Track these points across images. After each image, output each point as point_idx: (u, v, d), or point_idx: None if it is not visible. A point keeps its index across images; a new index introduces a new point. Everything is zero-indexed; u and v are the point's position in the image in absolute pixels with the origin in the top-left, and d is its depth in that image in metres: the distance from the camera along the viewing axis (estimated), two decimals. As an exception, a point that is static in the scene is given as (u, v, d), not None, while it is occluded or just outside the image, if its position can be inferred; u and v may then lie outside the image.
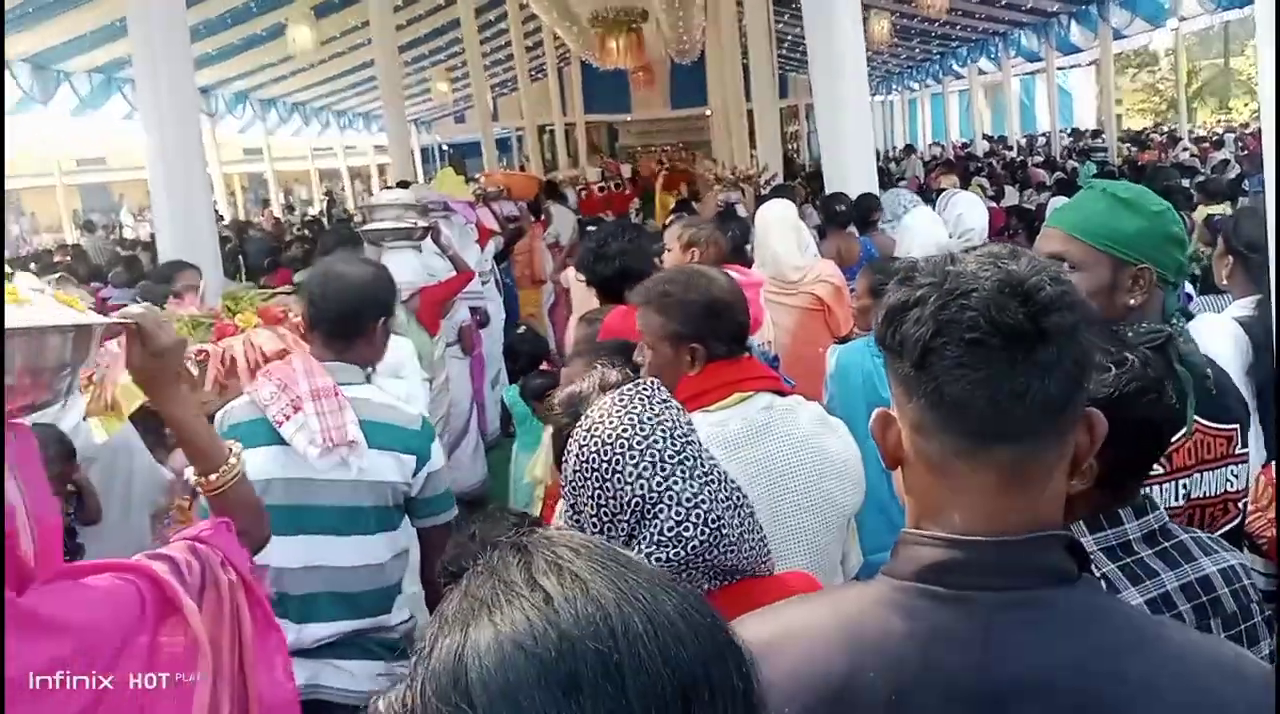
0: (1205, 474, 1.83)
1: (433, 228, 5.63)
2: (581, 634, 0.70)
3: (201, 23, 11.65)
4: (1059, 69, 20.55)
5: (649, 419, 1.45)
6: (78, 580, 1.38)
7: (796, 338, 4.28)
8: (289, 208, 23.11)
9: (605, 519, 1.44)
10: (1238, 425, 1.87)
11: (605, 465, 1.42)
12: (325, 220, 16.01)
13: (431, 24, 17.74)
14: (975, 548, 0.96)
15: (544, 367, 4.96)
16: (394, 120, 10.89)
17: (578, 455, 1.47)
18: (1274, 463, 2.14)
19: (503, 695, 0.68)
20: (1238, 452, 1.86)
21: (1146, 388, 1.46)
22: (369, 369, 2.54)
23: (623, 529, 1.42)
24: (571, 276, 5.14)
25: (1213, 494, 1.83)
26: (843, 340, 3.92)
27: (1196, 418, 1.77)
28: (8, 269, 1.47)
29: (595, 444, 1.44)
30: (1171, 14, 14.51)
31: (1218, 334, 2.40)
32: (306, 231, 14.61)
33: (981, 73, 22.96)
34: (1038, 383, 0.94)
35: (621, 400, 1.48)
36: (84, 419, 2.22)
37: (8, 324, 1.25)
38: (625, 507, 1.41)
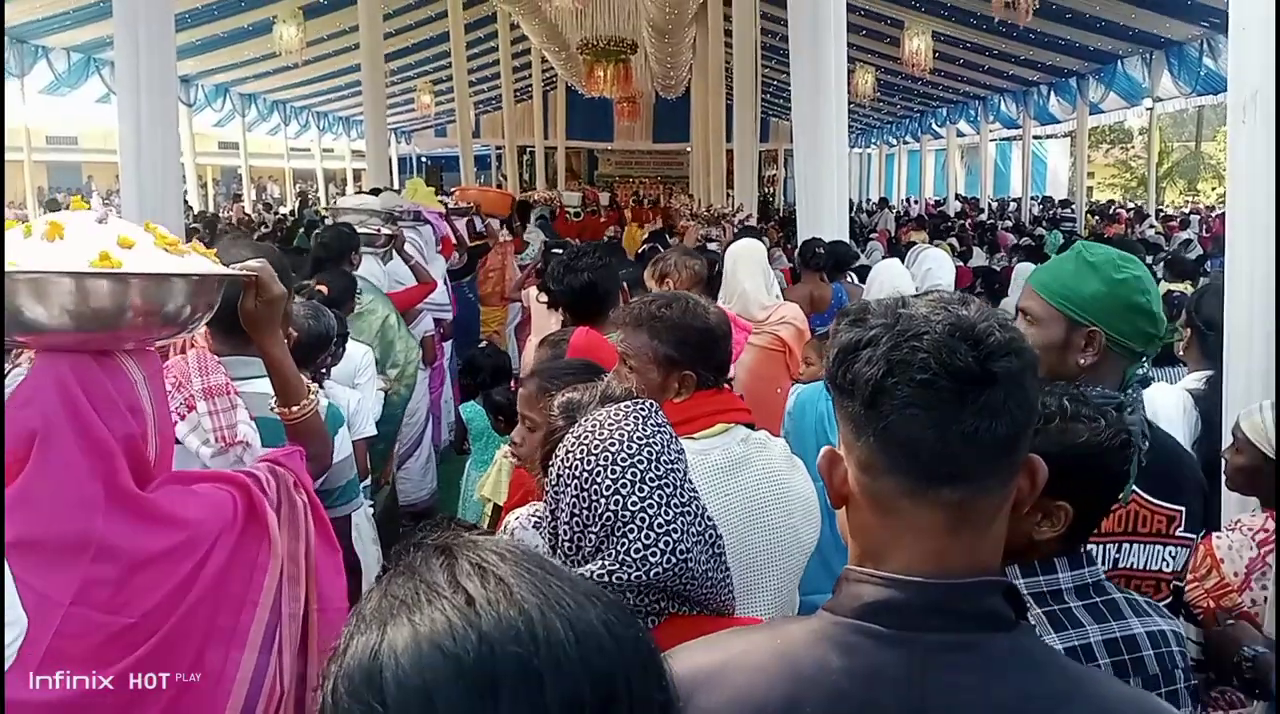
0: (1135, 545, 1.82)
1: (396, 237, 5.61)
2: (502, 637, 0.68)
3: (187, 12, 11.59)
4: (1035, 137, 20.94)
5: (639, 438, 1.46)
6: (187, 486, 1.71)
7: (754, 375, 4.28)
8: (267, 206, 22.85)
9: (577, 529, 1.44)
10: (1183, 509, 1.85)
11: (586, 475, 1.43)
12: (297, 219, 15.85)
13: (420, 35, 17.76)
14: (916, 589, 0.97)
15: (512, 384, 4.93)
16: (374, 127, 10.86)
17: (563, 460, 1.47)
18: (1213, 535, 2.17)
19: (417, 695, 0.67)
20: (1178, 534, 1.84)
21: (1131, 443, 1.51)
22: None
23: (591, 541, 1.42)
24: (533, 296, 5.13)
25: (1142, 567, 1.82)
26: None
27: (1135, 489, 1.78)
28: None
29: (580, 452, 1.45)
30: (1148, 94, 14.83)
31: (1169, 402, 2.45)
32: (277, 231, 14.52)
33: (960, 134, 23.30)
34: (985, 425, 0.95)
35: (617, 415, 1.49)
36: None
37: (158, 268, 1.58)
38: (597, 519, 1.41)
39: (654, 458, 1.45)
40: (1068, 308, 1.90)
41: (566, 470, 1.46)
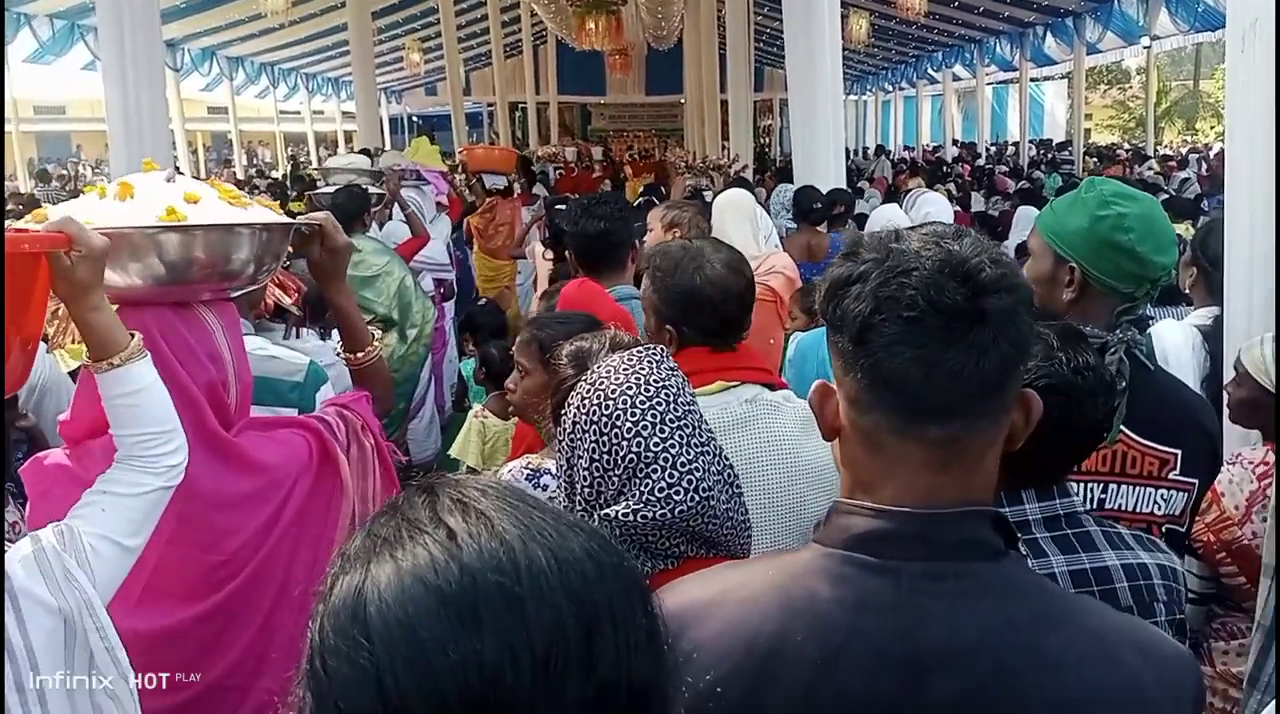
0: (1124, 486, 1.81)
1: (387, 198, 5.60)
2: (483, 568, 0.69)
3: (172, -26, 11.44)
4: (1032, 80, 20.74)
5: (654, 381, 1.47)
6: (266, 431, 1.83)
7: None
8: (260, 173, 22.69)
9: (597, 473, 1.45)
10: (1178, 452, 1.82)
11: (605, 419, 1.44)
12: (288, 184, 15.77)
13: (407, -9, 17.53)
14: (901, 519, 0.97)
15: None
16: (363, 88, 10.79)
17: (579, 407, 1.48)
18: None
19: (401, 628, 0.67)
20: (1172, 477, 1.82)
21: (1057, 387, 1.47)
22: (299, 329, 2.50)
23: (614, 484, 1.43)
24: (538, 252, 5.10)
25: (1131, 509, 1.81)
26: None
27: (1123, 429, 1.76)
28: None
29: (598, 397, 1.46)
30: (1145, 32, 14.70)
31: (1177, 339, 2.45)
32: (268, 194, 14.42)
33: (956, 78, 23.10)
34: (973, 362, 0.94)
35: (629, 360, 1.50)
36: (48, 351, 2.29)
37: (222, 220, 1.67)
38: (619, 462, 1.42)
39: (671, 400, 1.46)
40: (1053, 242, 1.92)
41: (584, 416, 1.46)
